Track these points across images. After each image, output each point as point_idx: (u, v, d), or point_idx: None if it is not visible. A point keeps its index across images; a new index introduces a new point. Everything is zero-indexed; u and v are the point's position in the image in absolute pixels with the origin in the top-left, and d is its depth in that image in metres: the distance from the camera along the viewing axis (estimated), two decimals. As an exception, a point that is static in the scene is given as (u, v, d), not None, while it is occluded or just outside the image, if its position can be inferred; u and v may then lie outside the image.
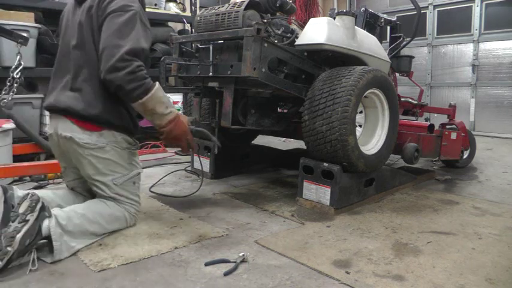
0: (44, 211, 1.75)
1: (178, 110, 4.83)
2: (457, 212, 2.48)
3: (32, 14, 3.66)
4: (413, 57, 3.71)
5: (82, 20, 1.95)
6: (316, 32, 2.45)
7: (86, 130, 1.92)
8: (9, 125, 3.05)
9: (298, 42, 2.51)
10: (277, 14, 2.59)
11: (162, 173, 3.34)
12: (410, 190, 2.94)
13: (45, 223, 1.73)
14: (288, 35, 2.52)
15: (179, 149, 2.14)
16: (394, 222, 2.28)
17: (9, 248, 1.59)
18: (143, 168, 3.67)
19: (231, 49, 2.43)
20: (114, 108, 1.95)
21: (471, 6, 6.01)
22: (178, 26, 5.27)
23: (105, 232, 1.98)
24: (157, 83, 1.91)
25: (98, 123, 1.93)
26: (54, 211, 1.82)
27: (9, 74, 3.19)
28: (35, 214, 1.70)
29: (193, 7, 5.34)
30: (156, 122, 1.95)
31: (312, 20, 2.56)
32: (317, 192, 2.45)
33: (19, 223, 1.65)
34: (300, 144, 3.78)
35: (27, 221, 1.66)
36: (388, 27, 3.68)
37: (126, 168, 2.02)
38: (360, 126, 2.70)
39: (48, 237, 1.74)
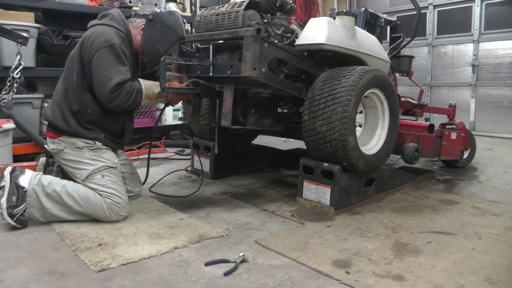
0: (15, 172, 2.13)
1: (178, 110, 4.83)
2: (457, 212, 2.48)
3: (32, 14, 3.65)
4: (414, 57, 3.71)
5: (75, 51, 2.28)
6: (316, 32, 2.45)
7: (50, 138, 2.30)
8: (9, 125, 3.05)
9: (298, 42, 2.50)
10: (277, 14, 2.59)
11: (162, 173, 3.34)
12: (410, 190, 2.94)
13: (23, 179, 2.12)
14: (288, 35, 2.52)
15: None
16: (394, 222, 2.28)
17: (1, 211, 2.07)
18: (143, 168, 3.66)
19: (231, 49, 2.43)
20: (70, 119, 2.25)
21: (471, 6, 6.01)
22: (178, 26, 5.26)
23: (80, 211, 2.17)
24: (139, 80, 2.30)
25: (56, 132, 2.28)
26: (42, 174, 2.20)
27: (9, 74, 3.20)
28: (7, 178, 2.10)
29: (193, 7, 5.34)
30: (160, 100, 2.40)
31: (312, 20, 2.55)
32: (317, 192, 2.45)
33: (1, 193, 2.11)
34: (300, 144, 3.78)
35: (3, 186, 2.09)
36: (388, 27, 3.68)
37: (89, 164, 2.25)
38: (360, 126, 2.70)
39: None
